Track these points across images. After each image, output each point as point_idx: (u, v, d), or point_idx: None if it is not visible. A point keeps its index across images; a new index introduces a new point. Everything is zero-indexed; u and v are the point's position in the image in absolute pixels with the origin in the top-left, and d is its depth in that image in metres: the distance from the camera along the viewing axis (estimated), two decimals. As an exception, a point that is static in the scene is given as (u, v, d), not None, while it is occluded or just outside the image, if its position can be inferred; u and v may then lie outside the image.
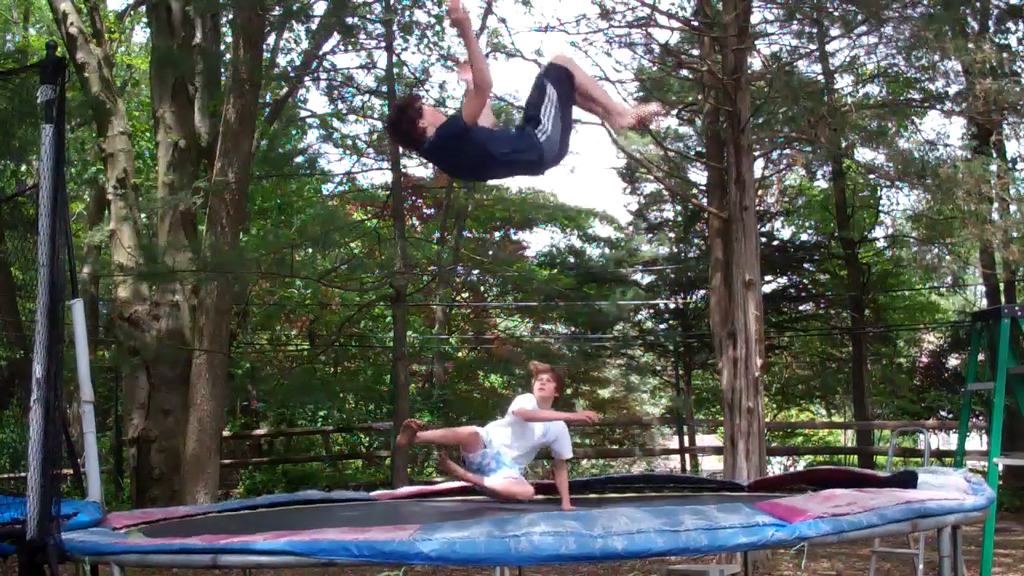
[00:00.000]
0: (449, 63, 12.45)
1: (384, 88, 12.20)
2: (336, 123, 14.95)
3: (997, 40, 9.79)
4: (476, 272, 18.02)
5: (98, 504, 3.91)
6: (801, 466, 14.94)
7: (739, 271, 7.77)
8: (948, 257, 10.93)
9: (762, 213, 14.81)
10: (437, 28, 11.79)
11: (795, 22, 9.10)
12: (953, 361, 16.20)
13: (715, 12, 8.43)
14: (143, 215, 10.78)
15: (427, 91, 12.62)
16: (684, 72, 9.98)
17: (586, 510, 4.63)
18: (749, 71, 8.44)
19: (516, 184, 17.47)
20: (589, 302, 15.39)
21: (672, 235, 16.42)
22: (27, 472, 3.30)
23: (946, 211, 9.29)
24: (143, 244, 9.92)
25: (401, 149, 11.24)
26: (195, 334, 9.06)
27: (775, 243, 15.66)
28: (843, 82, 11.13)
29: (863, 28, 8.54)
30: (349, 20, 10.46)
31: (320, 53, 12.15)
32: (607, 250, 17.53)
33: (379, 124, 14.04)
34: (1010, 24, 10.53)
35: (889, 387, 15.62)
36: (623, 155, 14.21)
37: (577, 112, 3.88)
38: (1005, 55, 8.93)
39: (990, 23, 10.32)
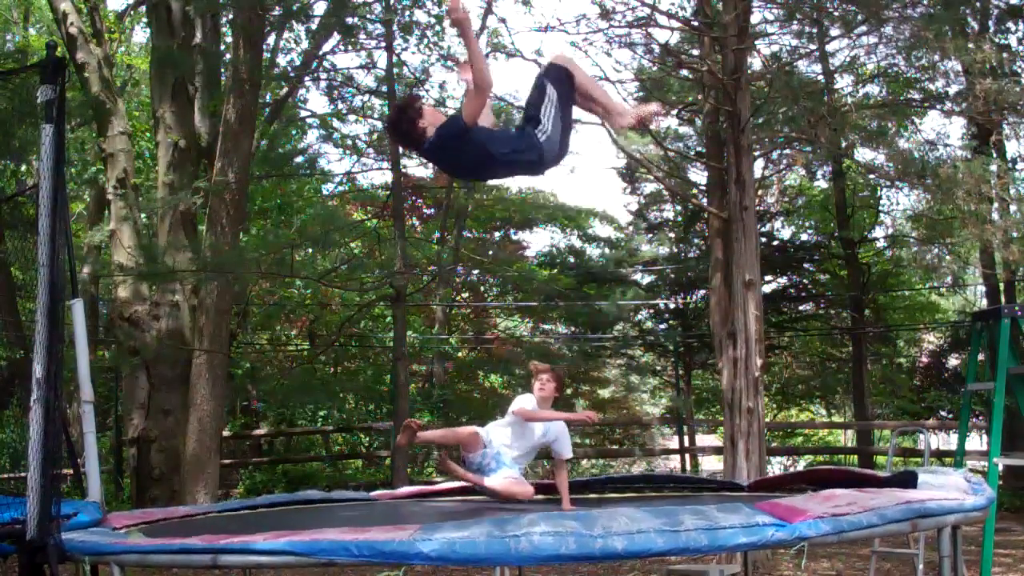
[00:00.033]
0: (449, 63, 12.46)
1: (384, 88, 12.20)
2: (336, 123, 14.96)
3: (997, 40, 9.78)
4: (476, 272, 18.02)
5: (98, 504, 3.91)
6: (801, 466, 14.94)
7: (739, 271, 7.77)
8: (948, 257, 10.93)
9: (762, 213, 14.81)
10: (437, 28, 11.80)
11: (795, 22, 9.10)
12: (953, 361, 16.20)
13: (715, 12, 8.43)
14: (143, 215, 10.78)
15: (427, 91, 12.63)
16: (684, 72, 9.98)
17: (586, 510, 4.64)
18: (749, 71, 8.44)
19: (516, 184, 17.49)
20: (589, 302, 15.39)
21: (672, 235, 16.43)
22: (27, 472, 3.30)
23: (946, 211, 9.29)
24: (143, 244, 9.92)
25: (401, 149, 11.24)
26: (195, 334, 9.06)
27: (775, 243, 15.66)
28: (843, 82, 11.14)
29: (863, 28, 8.54)
30: (349, 20, 10.46)
31: (320, 53, 12.16)
32: (607, 250, 17.53)
33: (379, 124, 14.04)
34: (1010, 24, 10.53)
35: (889, 387, 15.62)
36: (623, 155, 14.22)
37: (577, 112, 3.88)
38: (1005, 55, 8.93)
39: (990, 23, 10.32)
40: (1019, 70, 9.70)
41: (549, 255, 17.92)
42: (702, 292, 15.14)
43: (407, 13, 11.29)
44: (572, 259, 17.39)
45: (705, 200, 9.65)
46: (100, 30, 11.34)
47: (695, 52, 9.83)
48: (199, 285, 9.08)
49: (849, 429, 17.46)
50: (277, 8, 9.49)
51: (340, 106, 13.66)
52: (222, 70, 10.45)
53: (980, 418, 12.46)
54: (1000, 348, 5.78)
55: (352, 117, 14.53)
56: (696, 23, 8.83)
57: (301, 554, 2.92)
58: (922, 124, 11.53)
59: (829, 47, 10.40)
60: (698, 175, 13.32)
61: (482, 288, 19.14)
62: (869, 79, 10.65)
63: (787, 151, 12.50)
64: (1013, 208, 8.87)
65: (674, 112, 12.07)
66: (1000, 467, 6.57)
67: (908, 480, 4.00)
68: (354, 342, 15.70)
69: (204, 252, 8.87)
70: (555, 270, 16.28)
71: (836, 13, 8.37)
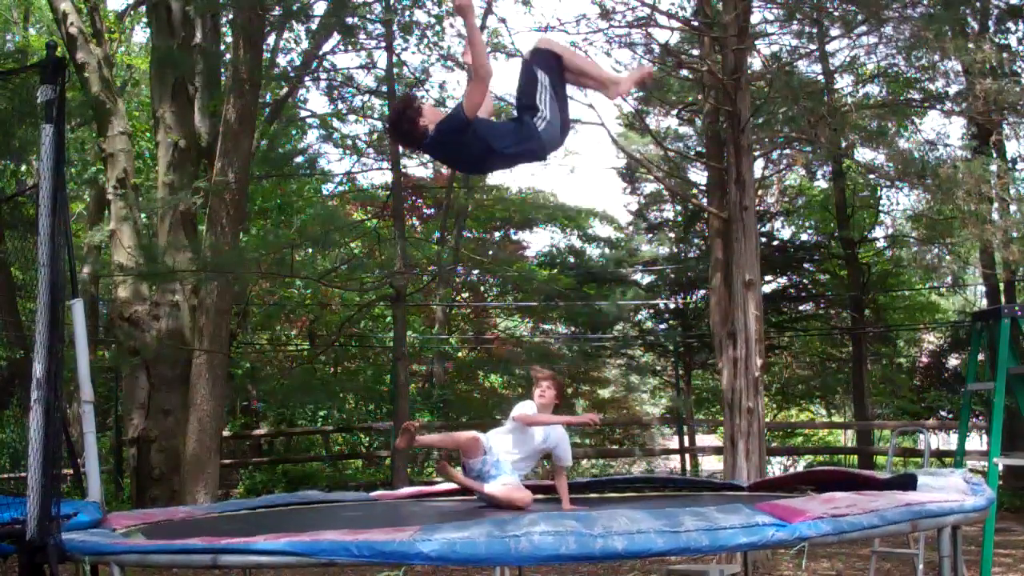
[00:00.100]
0: (449, 63, 12.47)
1: (384, 88, 12.20)
2: (336, 123, 14.96)
3: (997, 40, 9.79)
4: (476, 272, 18.02)
5: (98, 504, 3.91)
6: (801, 466, 14.94)
7: (739, 271, 7.77)
8: (948, 257, 10.93)
9: (762, 213, 14.81)
10: (437, 28, 11.80)
11: (795, 22, 9.10)
12: (953, 361, 16.20)
13: (715, 12, 8.43)
14: (143, 215, 10.78)
15: (427, 91, 12.63)
16: (684, 72, 9.99)
17: (586, 510, 4.64)
18: (749, 71, 8.45)
19: (516, 184, 17.51)
20: (589, 302, 15.39)
21: (672, 235, 16.43)
22: (27, 472, 3.30)
23: (946, 211, 9.29)
24: (143, 244, 9.92)
25: (401, 149, 11.25)
26: (195, 334, 9.06)
27: (775, 243, 15.66)
28: (843, 82, 11.15)
29: (863, 28, 8.54)
30: (349, 20, 10.46)
31: (320, 53, 12.16)
32: (607, 250, 17.53)
33: (379, 124, 14.04)
34: (1010, 24, 10.54)
35: (889, 387, 15.62)
36: (623, 155, 14.21)
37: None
38: (1005, 55, 8.93)
39: (990, 23, 10.32)
40: (1019, 70, 9.71)
41: (549, 255, 17.92)
42: (702, 292, 15.15)
43: (407, 13, 11.30)
44: (572, 259, 17.39)
45: (705, 200, 9.65)
46: (100, 30, 11.34)
47: (695, 52, 9.83)
48: (199, 285, 9.08)
49: (849, 429, 17.46)
50: (277, 8, 9.49)
51: (340, 106, 13.67)
52: (222, 70, 10.45)
53: (980, 418, 12.46)
54: (1000, 348, 5.78)
55: (352, 117, 14.54)
56: (696, 23, 8.83)
57: (301, 554, 2.92)
58: (922, 124, 11.55)
59: (829, 47, 10.42)
60: (698, 175, 13.33)
61: (482, 288, 19.14)
62: (869, 79, 10.65)
63: (787, 151, 12.50)
64: (1013, 208, 8.87)
65: (674, 112, 12.07)
66: (1000, 467, 6.57)
67: (908, 483, 4.00)
68: (354, 342, 15.70)
69: (204, 252, 8.87)
70: (555, 270, 16.28)
71: (836, 13, 8.37)
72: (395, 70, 11.82)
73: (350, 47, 11.81)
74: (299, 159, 14.36)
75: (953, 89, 9.20)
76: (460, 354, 16.94)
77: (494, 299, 19.18)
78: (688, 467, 13.96)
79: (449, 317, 16.81)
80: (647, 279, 16.55)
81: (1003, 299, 12.40)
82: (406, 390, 11.38)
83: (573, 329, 17.02)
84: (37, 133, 3.53)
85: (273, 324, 16.45)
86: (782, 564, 7.51)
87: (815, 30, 9.41)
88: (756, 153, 9.35)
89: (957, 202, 7.77)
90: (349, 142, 15.19)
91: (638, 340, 16.24)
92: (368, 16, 11.04)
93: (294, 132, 15.17)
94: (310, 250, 12.67)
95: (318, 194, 16.01)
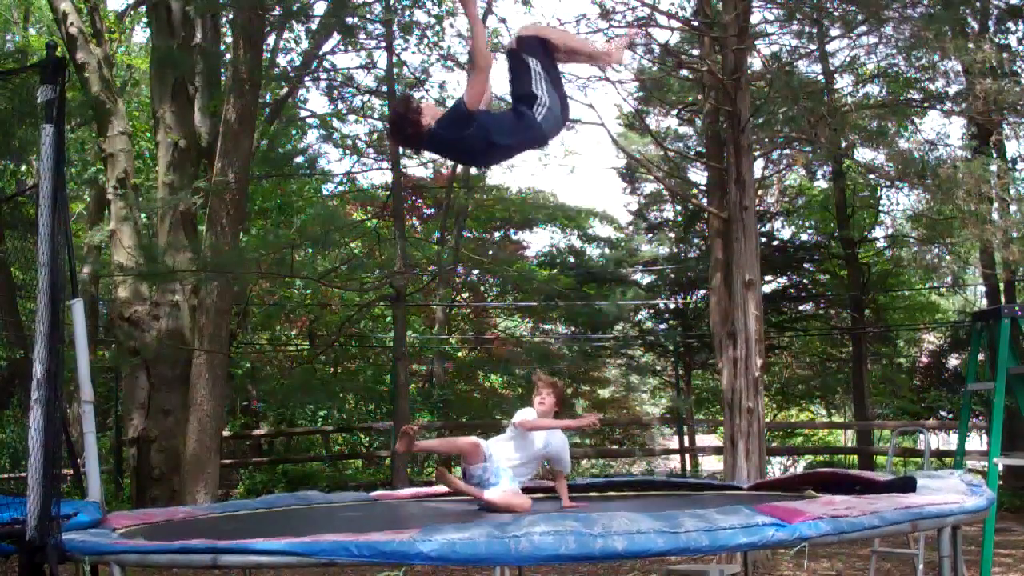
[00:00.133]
0: (449, 63, 12.47)
1: (384, 88, 12.20)
2: (336, 123, 14.96)
3: (997, 40, 9.79)
4: (476, 272, 18.02)
5: (98, 504, 3.91)
6: (801, 466, 14.94)
7: (739, 271, 7.77)
8: (948, 257, 10.93)
9: (762, 213, 14.81)
10: (437, 28, 11.81)
11: (795, 22, 9.10)
12: (953, 361, 16.20)
13: (715, 12, 8.43)
14: (143, 215, 10.78)
15: (427, 91, 12.63)
16: (684, 72, 9.99)
17: (585, 507, 4.65)
18: (749, 71, 8.45)
19: (516, 184, 17.52)
20: (589, 302, 15.39)
21: (672, 235, 16.43)
22: (27, 472, 3.30)
23: (946, 211, 9.28)
24: (143, 244, 9.92)
25: (401, 149, 11.24)
26: (195, 334, 9.06)
27: (775, 243, 15.67)
28: (843, 82, 11.14)
29: (863, 28, 8.54)
30: (349, 20, 10.46)
31: (320, 53, 12.16)
32: (607, 250, 17.54)
33: (379, 124, 14.05)
34: (1010, 24, 10.54)
35: (889, 387, 15.62)
36: (623, 155, 14.21)
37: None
38: (1005, 55, 8.93)
39: (990, 23, 10.33)
40: (1019, 70, 9.71)
41: (549, 255, 17.92)
42: (702, 292, 15.15)
43: (407, 13, 11.30)
44: (572, 259, 17.39)
45: (705, 200, 9.65)
46: (100, 30, 11.34)
47: (695, 52, 9.83)
48: (199, 285, 9.08)
49: (849, 429, 17.46)
50: (277, 8, 9.49)
51: (340, 106, 13.66)
52: (222, 70, 10.45)
53: (980, 418, 12.46)
54: (1000, 348, 5.78)
55: (352, 117, 14.55)
56: (696, 23, 8.83)
57: (301, 554, 2.92)
58: (922, 124, 11.53)
59: (829, 47, 10.42)
60: (698, 175, 13.33)
61: (482, 288, 19.14)
62: (869, 79, 10.65)
63: (787, 151, 12.51)
64: (1013, 208, 8.87)
65: (674, 112, 12.07)
66: (1000, 467, 6.57)
67: (907, 485, 4.00)
68: (354, 342, 15.70)
69: (204, 252, 8.87)
70: (555, 270, 16.28)
71: (836, 13, 8.37)
72: (395, 70, 11.82)
73: (350, 47, 11.81)
74: (299, 159, 14.36)
75: (953, 89, 9.21)
76: (460, 354, 16.95)
77: (494, 299, 19.19)
78: (688, 467, 13.96)
79: (449, 317, 16.81)
80: (647, 279, 16.56)
81: (1003, 299, 12.40)
82: (406, 390, 11.38)
83: (573, 329, 17.02)
84: (37, 133, 3.53)
85: (273, 324, 16.45)
86: (782, 564, 7.51)
87: (815, 30, 9.41)
88: (756, 153, 9.35)
89: (957, 202, 7.77)
90: (349, 142, 15.20)
91: (638, 340, 16.24)
92: (368, 16, 11.04)
93: (294, 132, 15.18)
94: (310, 250, 12.67)
95: (318, 194, 16.01)
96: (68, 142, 10.67)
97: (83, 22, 10.87)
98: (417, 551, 2.84)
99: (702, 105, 9.31)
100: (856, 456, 13.98)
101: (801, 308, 16.65)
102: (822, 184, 16.00)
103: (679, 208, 15.99)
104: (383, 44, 11.59)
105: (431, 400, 14.51)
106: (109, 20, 13.50)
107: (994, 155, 10.30)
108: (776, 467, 15.09)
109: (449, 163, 15.49)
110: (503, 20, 23.48)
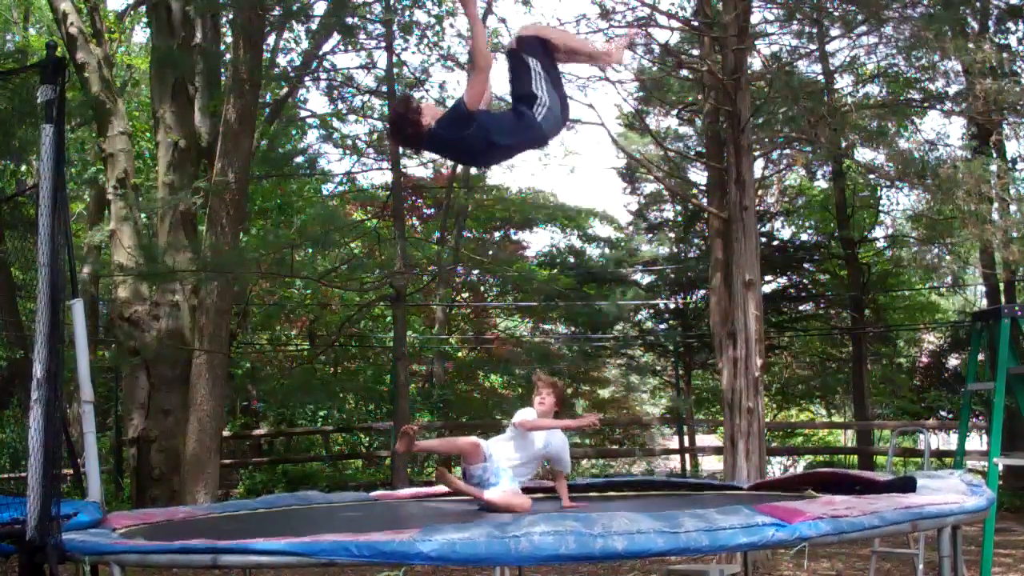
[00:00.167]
0: (449, 63, 12.47)
1: (384, 88, 12.20)
2: (336, 123, 14.97)
3: (997, 40, 9.79)
4: (476, 272, 18.02)
5: (98, 504, 3.91)
6: (801, 466, 14.94)
7: (739, 271, 7.77)
8: (948, 257, 10.93)
9: (762, 213, 14.82)
10: (437, 28, 11.81)
11: (795, 22, 9.10)
12: (953, 361, 16.20)
13: (715, 12, 8.43)
14: (143, 215, 10.78)
15: (427, 91, 12.63)
16: (684, 72, 9.98)
17: (585, 506, 4.65)
18: (749, 71, 8.44)
19: (516, 184, 17.52)
20: (589, 302, 15.39)
21: (672, 235, 16.43)
22: (27, 472, 3.30)
23: (946, 211, 9.28)
24: (143, 244, 9.92)
25: (401, 149, 11.24)
26: (195, 334, 9.06)
27: (775, 243, 15.67)
28: (843, 82, 11.14)
29: (863, 28, 8.54)
30: (349, 20, 10.46)
31: (320, 53, 12.16)
32: (607, 250, 17.54)
33: (379, 124, 14.05)
34: (1010, 24, 10.54)
35: (889, 387, 15.62)
36: (623, 155, 14.21)
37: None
38: (1005, 55, 8.93)
39: (990, 23, 10.33)
40: (1019, 70, 9.71)
41: (549, 255, 17.92)
42: (702, 292, 15.15)
43: (407, 13, 11.30)
44: (572, 259, 17.39)
45: (705, 200, 9.65)
46: (100, 30, 11.34)
47: (695, 52, 9.83)
48: (199, 285, 9.08)
49: (849, 429, 17.46)
50: (277, 8, 9.49)
51: (340, 106, 13.67)
52: (222, 70, 10.45)
53: (980, 418, 12.46)
54: (1000, 348, 5.78)
55: (352, 117, 14.55)
56: (696, 23, 8.83)
57: (301, 554, 2.92)
58: (922, 124, 11.53)
59: (829, 47, 10.42)
60: (698, 175, 13.33)
61: (482, 288, 19.14)
62: (869, 79, 10.65)
63: (787, 151, 12.51)
64: (1013, 208, 8.87)
65: (674, 112, 12.07)
66: (1000, 467, 6.57)
67: (907, 485, 4.00)
68: (354, 342, 15.70)
69: (204, 252, 8.87)
70: (555, 270, 16.28)
71: (836, 13, 8.37)
72: (395, 70, 11.82)
73: (350, 47, 11.81)
74: (299, 159, 14.37)
75: (953, 89, 9.21)
76: (460, 354, 16.95)
77: (494, 299, 19.19)
78: (688, 467, 13.96)
79: (449, 317, 16.81)
80: (647, 279, 16.56)
81: (1003, 299, 12.40)
82: (406, 390, 11.38)
83: (573, 329, 17.02)
84: (37, 133, 3.53)
85: (273, 324, 16.46)
86: (782, 564, 7.51)
87: (815, 30, 9.41)
88: (756, 153, 9.35)
89: (957, 202, 7.77)
90: (349, 142, 15.20)
91: (638, 340, 16.24)
92: (368, 16, 11.04)
93: (294, 132, 15.18)
94: (310, 250, 12.67)
95: (318, 194, 16.02)
96: (68, 142, 10.67)
97: (83, 22, 10.87)
98: (417, 551, 2.84)
99: (702, 105, 9.31)
100: (856, 456, 13.98)
101: (801, 308, 16.65)
102: (822, 184, 16.00)
103: (679, 208, 15.99)
104: (383, 44, 11.59)
105: (431, 400, 14.51)
106: (109, 20, 13.50)
107: (994, 155, 10.30)
108: (776, 467, 15.09)
109: (449, 163, 15.49)
110: (503, 20, 23.49)
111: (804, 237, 16.67)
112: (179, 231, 9.80)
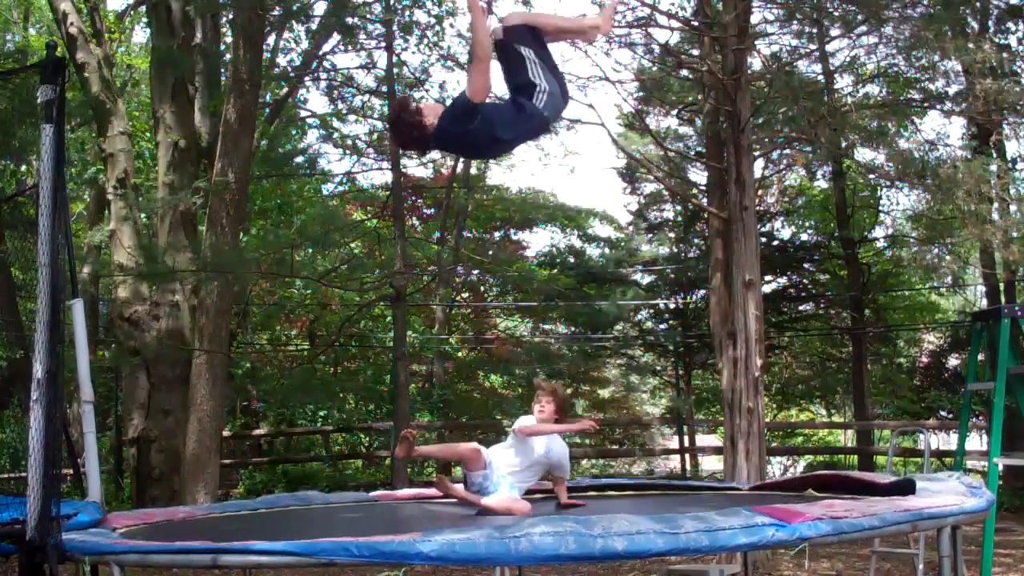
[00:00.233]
0: (449, 63, 12.47)
1: (384, 88, 12.20)
2: (336, 123, 14.96)
3: (997, 40, 9.79)
4: (476, 272, 18.03)
5: (98, 504, 3.91)
6: (801, 466, 14.94)
7: (739, 271, 7.77)
8: (948, 257, 10.93)
9: (762, 213, 14.82)
10: (437, 28, 11.80)
11: (795, 22, 9.10)
12: (953, 361, 16.20)
13: (715, 12, 8.43)
14: (143, 215, 10.79)
15: (427, 91, 12.63)
16: (684, 72, 9.98)
17: (584, 505, 4.65)
18: (749, 71, 8.44)
19: (516, 184, 17.52)
20: (589, 302, 15.39)
21: (672, 235, 16.43)
22: (27, 472, 3.30)
23: (946, 211, 9.28)
24: (143, 244, 9.92)
25: (401, 149, 11.24)
26: (195, 334, 9.06)
27: (775, 243, 15.67)
28: (843, 82, 11.14)
29: (863, 28, 8.54)
30: (349, 20, 10.46)
31: (320, 53, 12.16)
32: (607, 250, 17.54)
33: (379, 124, 14.05)
34: (1010, 24, 10.54)
35: (889, 387, 15.62)
36: (623, 155, 14.21)
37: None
38: (1005, 55, 8.92)
39: (990, 23, 10.32)
40: (1019, 70, 9.70)
41: (549, 255, 17.92)
42: (702, 292, 15.15)
43: (407, 13, 11.29)
44: (572, 259, 17.39)
45: (705, 200, 9.65)
46: (100, 30, 11.34)
47: (695, 52, 9.83)
48: (199, 285, 9.08)
49: (849, 429, 17.46)
50: (277, 8, 9.49)
51: (340, 106, 13.66)
52: (222, 70, 10.45)
53: (980, 418, 12.46)
54: (1000, 348, 5.78)
55: (352, 117, 14.54)
56: (696, 23, 8.83)
57: (301, 554, 2.92)
58: (922, 124, 11.52)
59: (829, 47, 10.41)
60: (698, 175, 13.33)
61: (482, 288, 19.14)
62: (869, 79, 10.65)
63: (787, 151, 12.51)
64: (1013, 208, 8.87)
65: (674, 112, 12.07)
66: (1000, 467, 6.57)
67: (907, 488, 4.00)
68: (354, 342, 15.70)
69: (204, 252, 8.87)
70: (555, 270, 16.29)
71: (836, 13, 8.37)
72: (395, 70, 11.82)
73: (350, 47, 11.81)
74: (299, 159, 14.36)
75: (953, 89, 9.21)
76: (460, 354, 16.94)
77: (494, 299, 19.19)
78: (688, 467, 13.96)
79: (449, 317, 16.81)
80: (647, 279, 16.56)
81: (1003, 299, 12.40)
82: (406, 390, 11.38)
83: (573, 329, 17.02)
84: (37, 133, 3.53)
85: (273, 324, 16.45)
86: (782, 564, 7.51)
87: (815, 30, 9.41)
88: (756, 153, 9.35)
89: (957, 202, 7.76)
90: (349, 142, 15.20)
91: (638, 340, 16.24)
92: (368, 16, 11.04)
93: (294, 132, 15.18)
94: (310, 250, 12.66)
95: (318, 194, 16.01)
96: (68, 142, 10.68)
97: (83, 22, 10.87)
98: (417, 551, 2.84)
99: (702, 105, 9.31)
100: (856, 456, 13.98)
101: (801, 308, 16.65)
102: (822, 184, 16.00)
103: (679, 208, 16.00)
104: (383, 44, 11.59)
105: (431, 400, 14.51)
106: (109, 20, 13.50)
107: (994, 155, 10.30)
108: (776, 467, 15.09)
109: (449, 163, 15.52)
110: (503, 20, 23.41)
111: (804, 237, 16.67)
112: (179, 231, 9.80)
